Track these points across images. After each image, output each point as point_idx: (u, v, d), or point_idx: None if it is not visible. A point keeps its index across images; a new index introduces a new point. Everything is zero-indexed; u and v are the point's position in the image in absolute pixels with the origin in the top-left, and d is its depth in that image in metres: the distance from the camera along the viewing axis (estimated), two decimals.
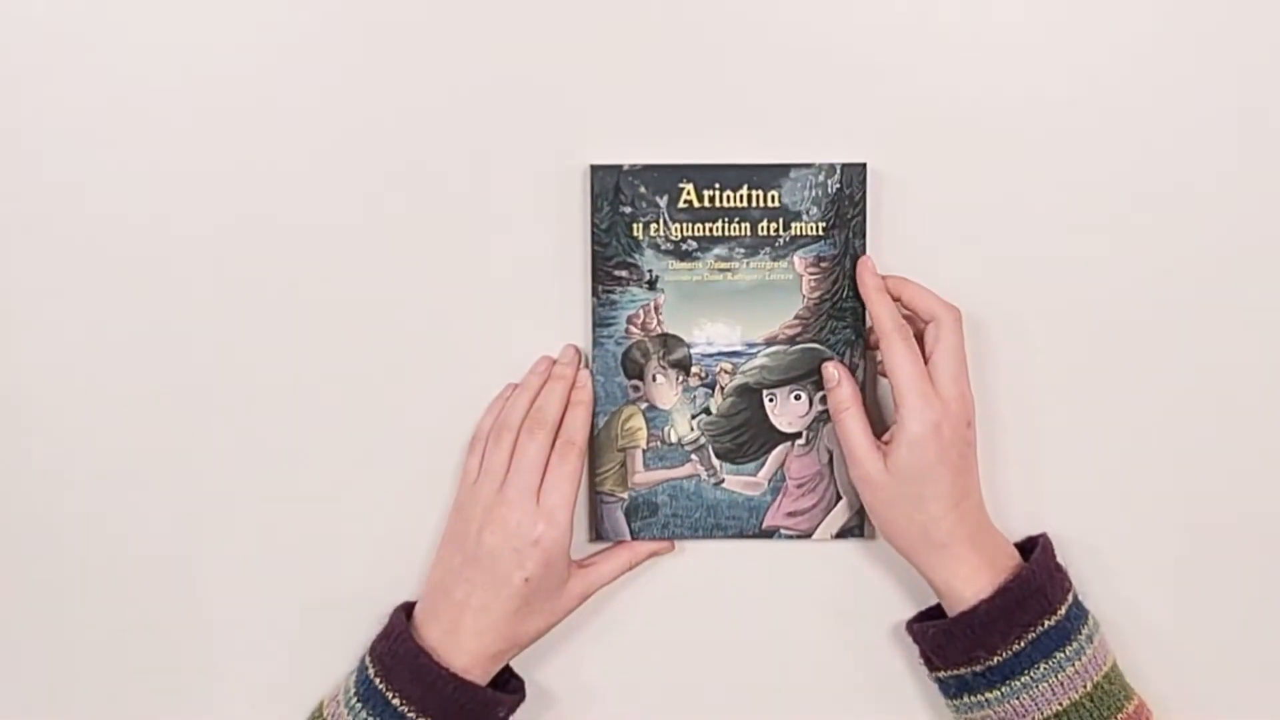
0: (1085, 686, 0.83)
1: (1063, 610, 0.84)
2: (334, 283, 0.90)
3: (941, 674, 0.87)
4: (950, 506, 0.84)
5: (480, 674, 0.85)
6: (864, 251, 0.89)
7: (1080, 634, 0.84)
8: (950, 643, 0.85)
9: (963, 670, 0.85)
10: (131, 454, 0.91)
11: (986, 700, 0.84)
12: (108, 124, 0.89)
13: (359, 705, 0.85)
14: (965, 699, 0.85)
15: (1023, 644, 0.83)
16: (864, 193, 0.89)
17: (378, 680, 0.84)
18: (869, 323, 0.89)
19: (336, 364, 0.90)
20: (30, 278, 0.90)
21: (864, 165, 0.89)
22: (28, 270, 0.90)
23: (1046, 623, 0.83)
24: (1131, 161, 0.90)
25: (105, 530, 0.91)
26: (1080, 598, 0.87)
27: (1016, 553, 0.87)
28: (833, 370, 0.88)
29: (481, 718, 0.85)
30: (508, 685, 0.88)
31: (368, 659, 0.86)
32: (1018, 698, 0.83)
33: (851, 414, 0.86)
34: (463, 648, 0.85)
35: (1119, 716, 0.83)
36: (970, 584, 0.84)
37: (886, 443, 0.86)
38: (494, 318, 0.91)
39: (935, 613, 0.88)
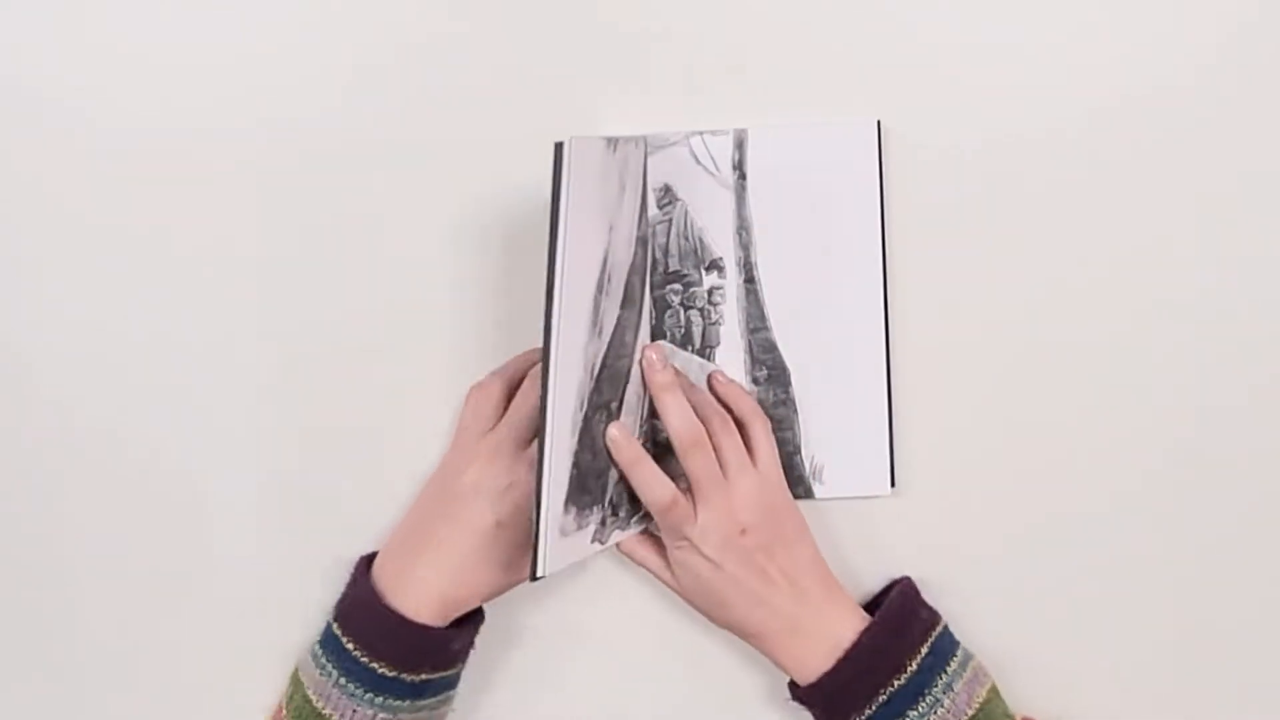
0: None
1: (913, 665, 0.81)
2: (342, 245, 0.90)
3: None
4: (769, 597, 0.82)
5: (430, 615, 0.82)
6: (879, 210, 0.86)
7: (936, 684, 0.81)
8: (813, 706, 0.84)
9: None
10: (132, 419, 0.91)
11: None
12: (91, 97, 0.90)
13: (320, 651, 0.85)
14: None
15: (873, 708, 0.81)
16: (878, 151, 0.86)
17: (335, 625, 0.84)
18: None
19: (343, 327, 0.90)
20: (32, 219, 0.91)
21: (877, 122, 0.86)
22: (28, 208, 0.91)
23: (896, 682, 0.81)
24: (1149, 120, 0.87)
25: (108, 499, 0.91)
26: (951, 630, 0.84)
27: (861, 613, 0.84)
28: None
29: (433, 655, 0.83)
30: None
31: (335, 608, 0.86)
32: None
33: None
34: (415, 581, 0.82)
35: None
36: (809, 663, 0.82)
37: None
38: (503, 290, 0.89)
39: None
